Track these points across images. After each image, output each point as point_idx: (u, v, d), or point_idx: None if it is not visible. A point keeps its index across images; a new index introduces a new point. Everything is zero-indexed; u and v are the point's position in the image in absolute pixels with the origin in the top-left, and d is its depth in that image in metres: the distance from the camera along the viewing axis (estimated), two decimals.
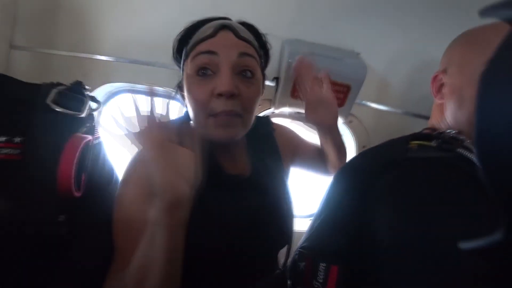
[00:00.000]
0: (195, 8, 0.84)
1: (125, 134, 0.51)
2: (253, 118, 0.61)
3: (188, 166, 0.46)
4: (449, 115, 0.63)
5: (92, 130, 0.60)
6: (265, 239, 0.63)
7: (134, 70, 0.98)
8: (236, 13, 0.89)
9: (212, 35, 0.56)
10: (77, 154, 0.51)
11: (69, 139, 0.52)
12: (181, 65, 0.63)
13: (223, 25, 0.58)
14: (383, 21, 0.95)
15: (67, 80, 0.96)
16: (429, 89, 0.68)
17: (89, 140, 0.56)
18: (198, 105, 0.56)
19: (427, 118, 0.71)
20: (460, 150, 0.51)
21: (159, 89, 0.98)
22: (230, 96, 0.54)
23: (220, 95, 0.54)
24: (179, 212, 0.44)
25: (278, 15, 0.92)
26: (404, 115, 1.07)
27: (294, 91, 0.90)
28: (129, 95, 1.08)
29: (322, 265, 0.53)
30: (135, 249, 0.45)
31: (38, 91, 0.55)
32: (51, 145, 0.50)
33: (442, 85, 0.65)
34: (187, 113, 0.64)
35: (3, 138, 0.47)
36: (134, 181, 0.54)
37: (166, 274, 0.43)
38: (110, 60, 0.97)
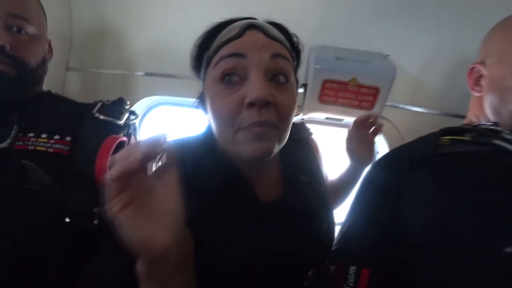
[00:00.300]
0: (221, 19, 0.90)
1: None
2: (289, 130, 0.51)
3: (167, 211, 0.39)
4: (490, 108, 0.59)
5: (129, 137, 0.69)
6: (293, 268, 0.56)
7: (170, 84, 1.06)
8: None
9: (239, 35, 0.48)
10: (111, 149, 0.59)
11: (105, 139, 0.61)
12: (202, 74, 0.55)
13: (251, 24, 0.49)
14: (411, 21, 0.93)
15: (112, 95, 1.07)
16: (467, 88, 0.65)
17: (123, 140, 0.64)
18: (224, 118, 0.47)
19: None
20: (498, 142, 0.48)
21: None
22: (264, 105, 0.45)
23: (251, 104, 0.44)
24: (166, 263, 0.38)
25: (304, 22, 0.94)
26: (441, 116, 1.02)
27: (322, 96, 0.90)
28: (166, 107, 1.16)
29: (352, 269, 0.52)
30: None
31: (88, 106, 0.67)
32: (93, 144, 0.60)
33: (480, 77, 0.62)
34: (209, 128, 0.56)
35: (57, 136, 0.59)
36: None
37: None
38: (149, 76, 1.07)
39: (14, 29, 0.58)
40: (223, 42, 0.48)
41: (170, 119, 1.20)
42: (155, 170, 0.37)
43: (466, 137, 0.53)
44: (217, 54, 0.49)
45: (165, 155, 0.38)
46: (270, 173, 0.58)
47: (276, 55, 0.47)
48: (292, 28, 0.91)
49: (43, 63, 0.65)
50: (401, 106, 1.03)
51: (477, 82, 0.63)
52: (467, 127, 0.57)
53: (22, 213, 0.52)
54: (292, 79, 0.51)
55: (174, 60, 1.03)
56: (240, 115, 0.46)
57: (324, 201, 0.63)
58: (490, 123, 0.55)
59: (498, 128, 0.53)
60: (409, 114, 1.03)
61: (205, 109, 0.55)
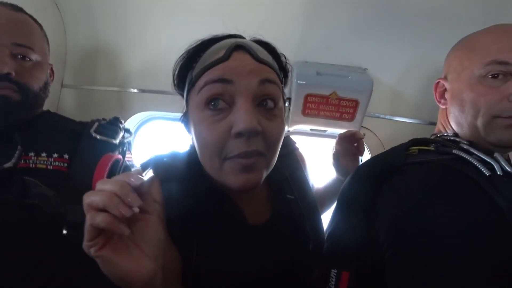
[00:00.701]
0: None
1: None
2: (277, 155, 0.50)
3: (148, 239, 0.40)
4: (452, 119, 0.65)
5: (124, 154, 0.74)
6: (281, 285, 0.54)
7: (161, 100, 1.11)
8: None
9: (225, 58, 0.45)
10: (108, 167, 0.64)
11: (102, 157, 0.66)
12: (185, 94, 0.52)
13: (237, 46, 0.46)
14: (388, 35, 0.98)
15: (106, 111, 1.11)
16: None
17: (118, 158, 0.69)
18: (210, 147, 0.45)
19: None
20: (456, 152, 0.54)
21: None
22: (253, 134, 0.43)
23: (239, 134, 0.42)
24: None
25: (286, 39, 1.00)
26: (419, 124, 1.08)
27: (304, 109, 0.96)
28: (158, 121, 1.21)
29: (333, 271, 0.56)
30: None
31: (85, 125, 0.72)
32: (90, 161, 0.65)
33: (444, 90, 0.68)
34: (194, 148, 0.52)
35: (56, 155, 0.64)
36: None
37: None
38: (141, 92, 1.11)
39: (19, 56, 0.62)
40: (209, 65, 0.46)
41: (161, 132, 1.24)
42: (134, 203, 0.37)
43: (431, 148, 0.59)
44: (202, 77, 0.46)
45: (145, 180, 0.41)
46: (257, 194, 0.57)
47: (264, 81, 0.45)
48: (275, 44, 0.97)
49: (45, 87, 0.69)
50: (381, 116, 1.09)
51: (442, 95, 0.68)
52: (432, 138, 0.62)
53: (24, 226, 0.56)
54: (281, 103, 0.49)
55: (166, 77, 1.08)
56: (227, 144, 0.44)
57: (313, 218, 0.63)
58: (451, 135, 0.60)
59: (458, 139, 0.58)
60: (389, 124, 1.09)
61: (188, 130, 0.53)
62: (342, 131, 1.07)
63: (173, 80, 0.54)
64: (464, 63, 0.62)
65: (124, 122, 0.85)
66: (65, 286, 0.58)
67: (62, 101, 1.15)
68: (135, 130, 1.17)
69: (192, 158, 0.52)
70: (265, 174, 0.48)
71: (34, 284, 0.56)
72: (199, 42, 0.51)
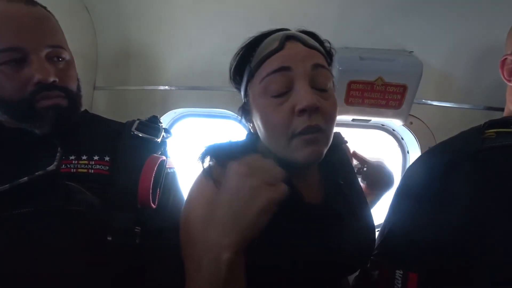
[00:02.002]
0: (238, 34, 0.93)
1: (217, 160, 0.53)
2: (333, 133, 0.55)
3: (266, 209, 0.41)
4: None
5: (165, 154, 0.69)
6: (337, 268, 0.58)
7: (193, 96, 1.08)
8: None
9: (280, 47, 0.51)
10: (154, 170, 0.59)
11: (148, 158, 0.61)
12: (244, 86, 0.57)
13: (289, 36, 0.52)
14: (432, 14, 0.90)
15: (139, 110, 1.10)
16: (499, 77, 0.62)
17: (164, 160, 0.64)
18: (278, 127, 0.51)
19: (501, 109, 0.65)
20: None
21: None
22: (314, 110, 0.49)
23: (303, 111, 0.48)
24: (241, 252, 0.41)
25: (322, 26, 0.93)
26: (472, 109, 0.98)
27: (348, 98, 0.89)
28: (190, 119, 1.18)
29: (399, 273, 0.51)
30: (200, 270, 0.43)
31: (124, 125, 0.68)
32: (133, 163, 0.60)
33: None
34: (251, 137, 0.60)
35: (96, 157, 0.60)
36: (198, 201, 0.54)
37: None
38: (172, 89, 1.09)
39: (55, 59, 0.58)
40: (266, 55, 0.51)
41: (194, 130, 1.22)
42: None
43: None
44: (261, 68, 0.52)
45: None
46: (312, 178, 0.61)
47: (317, 66, 0.51)
48: (317, 33, 0.91)
49: (79, 84, 0.66)
50: (429, 102, 1.00)
51: (510, 73, 0.61)
52: None
53: (67, 234, 0.53)
54: (331, 85, 0.54)
55: (198, 73, 1.06)
56: (292, 123, 0.50)
57: (363, 202, 0.66)
58: None
59: None
60: (438, 110, 1.01)
61: (248, 120, 0.59)
62: (387, 120, 1.01)
63: (230, 75, 0.59)
64: None
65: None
66: None
67: (95, 103, 1.16)
68: (168, 128, 1.15)
69: (250, 145, 0.58)
70: (325, 149, 0.53)
71: None
72: (251, 38, 0.57)
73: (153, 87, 1.10)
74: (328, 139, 0.53)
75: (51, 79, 0.55)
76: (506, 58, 0.62)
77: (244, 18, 0.98)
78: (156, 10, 1.03)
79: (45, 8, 0.61)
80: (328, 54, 0.59)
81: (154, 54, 1.09)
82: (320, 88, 0.51)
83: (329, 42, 0.59)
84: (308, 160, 0.51)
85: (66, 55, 0.60)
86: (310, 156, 0.50)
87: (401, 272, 0.50)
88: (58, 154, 0.57)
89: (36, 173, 0.53)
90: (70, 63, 0.62)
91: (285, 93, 0.50)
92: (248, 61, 0.55)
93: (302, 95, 0.48)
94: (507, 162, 0.46)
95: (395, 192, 0.62)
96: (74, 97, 0.61)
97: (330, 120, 0.52)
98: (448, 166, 0.51)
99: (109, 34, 1.12)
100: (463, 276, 0.44)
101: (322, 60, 0.53)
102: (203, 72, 1.07)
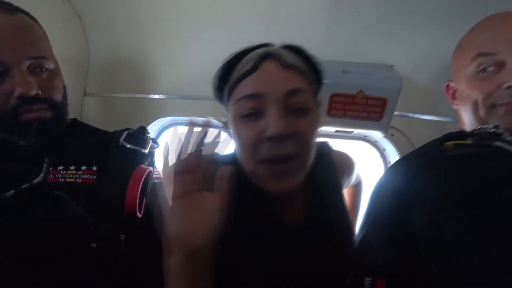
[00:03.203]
0: (228, 45, 0.93)
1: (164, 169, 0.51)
2: (313, 152, 0.52)
3: (210, 214, 0.44)
4: (464, 118, 0.65)
5: (152, 164, 0.71)
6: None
7: (182, 105, 1.10)
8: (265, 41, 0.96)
9: (254, 69, 0.49)
10: (141, 181, 0.60)
11: (135, 169, 0.62)
12: (224, 104, 0.57)
13: (265, 54, 0.50)
14: (415, 30, 0.94)
15: (129, 117, 1.12)
16: None
17: (150, 171, 0.65)
18: (246, 148, 0.50)
19: None
20: (499, 144, 0.49)
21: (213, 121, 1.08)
22: (284, 137, 0.47)
23: (270, 138, 0.47)
24: (198, 262, 0.42)
25: (307, 39, 0.97)
26: (451, 122, 1.02)
27: (330, 109, 0.92)
28: (179, 127, 1.20)
29: (367, 280, 0.52)
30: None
31: (112, 135, 0.69)
32: (121, 174, 0.61)
33: (454, 91, 0.68)
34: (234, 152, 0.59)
35: (84, 167, 0.60)
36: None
37: None
38: (162, 97, 1.11)
39: (37, 70, 0.57)
40: (241, 76, 0.50)
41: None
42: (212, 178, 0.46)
43: (469, 141, 0.55)
44: (235, 90, 0.51)
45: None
46: (296, 198, 0.59)
47: (291, 91, 0.48)
48: (298, 44, 0.93)
49: (65, 91, 0.65)
50: (410, 115, 1.04)
51: (453, 96, 0.68)
52: (469, 132, 0.58)
53: (51, 240, 0.53)
54: (311, 104, 0.51)
55: (187, 82, 1.08)
56: (260, 147, 0.48)
57: (345, 219, 0.64)
58: (491, 127, 0.56)
59: (499, 131, 0.54)
60: (419, 123, 1.04)
61: (231, 136, 0.57)
62: (369, 132, 1.04)
63: (214, 92, 0.59)
64: (459, 62, 0.63)
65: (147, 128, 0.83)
66: None
67: (85, 109, 1.17)
68: (156, 136, 1.17)
69: (237, 159, 0.55)
70: (302, 175, 0.51)
71: None
72: (232, 55, 0.55)
73: (143, 95, 1.12)
74: (303, 164, 0.51)
75: (33, 92, 0.54)
76: (448, 84, 0.69)
77: (234, 30, 1.01)
78: (148, 21, 1.06)
79: (27, 13, 0.59)
80: (314, 70, 0.56)
81: (145, 63, 1.11)
82: (297, 108, 0.49)
83: (315, 58, 0.56)
84: (277, 192, 0.50)
85: (49, 65, 0.59)
86: (276, 189, 0.49)
87: (370, 280, 0.52)
88: (45, 165, 0.58)
89: (23, 186, 0.53)
90: (54, 72, 0.61)
91: (257, 115, 0.49)
92: (226, 80, 0.54)
93: (271, 123, 0.46)
94: (463, 169, 0.50)
95: (368, 202, 0.64)
96: (58, 107, 0.61)
97: (305, 143, 0.49)
98: (413, 175, 0.55)
99: (101, 42, 1.13)
100: (425, 282, 0.46)
101: (299, 83, 0.49)
102: (193, 82, 1.09)
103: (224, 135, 0.56)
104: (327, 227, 0.59)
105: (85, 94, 1.17)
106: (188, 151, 0.48)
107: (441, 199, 0.49)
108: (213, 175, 0.48)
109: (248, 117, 0.49)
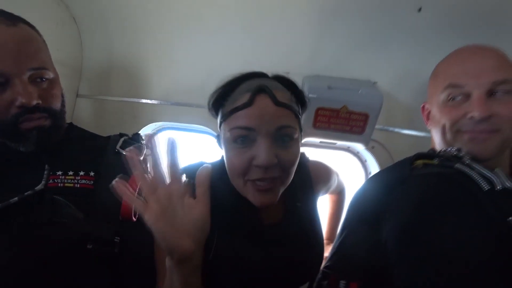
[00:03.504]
0: (220, 56, 0.95)
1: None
2: (292, 175, 0.60)
3: (195, 221, 0.49)
4: (434, 139, 0.71)
5: (146, 171, 0.73)
6: (286, 282, 0.65)
7: (174, 111, 1.14)
8: (259, 56, 1.00)
9: (249, 103, 0.54)
10: (137, 186, 0.63)
11: (131, 175, 0.65)
12: (218, 123, 0.62)
13: (259, 89, 0.55)
14: (397, 49, 1.00)
15: (120, 120, 1.14)
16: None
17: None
18: (236, 171, 0.57)
19: None
20: (459, 166, 0.57)
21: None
22: (270, 166, 0.54)
23: (258, 167, 0.54)
24: (189, 264, 0.48)
25: (298, 55, 1.02)
26: (429, 137, 1.08)
27: (315, 122, 0.97)
28: (169, 132, 1.23)
29: (342, 283, 0.58)
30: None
31: (108, 140, 0.72)
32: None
33: (429, 113, 0.73)
34: (221, 160, 0.65)
35: (82, 172, 0.64)
36: None
37: None
38: (154, 102, 1.14)
39: (38, 80, 0.59)
40: (236, 107, 0.55)
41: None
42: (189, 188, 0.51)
43: (435, 162, 0.62)
44: (231, 118, 0.56)
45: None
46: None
47: (281, 127, 0.55)
48: (288, 60, 0.98)
49: (63, 99, 0.67)
50: (390, 129, 1.10)
51: (428, 117, 0.74)
52: (436, 153, 0.65)
53: (52, 243, 0.56)
54: (296, 135, 0.58)
55: (179, 89, 1.11)
56: (249, 170, 0.56)
57: (316, 222, 0.73)
58: (454, 149, 0.63)
59: (461, 154, 0.60)
60: (398, 137, 1.10)
61: (221, 146, 0.63)
62: (352, 144, 1.10)
63: (209, 110, 0.64)
64: (433, 89, 0.69)
65: (137, 132, 0.86)
66: None
67: (77, 110, 1.18)
68: None
69: (222, 167, 0.63)
70: (281, 191, 0.59)
71: None
72: (227, 81, 0.60)
73: (135, 100, 1.14)
74: (284, 183, 0.59)
75: (34, 102, 0.56)
76: (424, 105, 0.75)
77: (226, 43, 1.04)
78: (142, 28, 1.08)
79: (27, 23, 0.61)
80: (300, 100, 0.62)
81: (138, 68, 1.14)
82: (283, 140, 0.56)
83: (302, 93, 0.62)
84: (261, 205, 0.58)
85: (49, 74, 0.61)
86: (263, 203, 0.57)
87: (344, 282, 0.57)
88: (45, 172, 0.60)
89: (26, 193, 0.55)
90: (53, 81, 0.63)
91: (248, 143, 0.55)
92: (222, 105, 0.60)
93: (261, 154, 0.53)
94: (429, 186, 0.57)
95: (346, 212, 0.70)
96: (57, 115, 0.63)
97: (288, 169, 0.57)
98: (389, 188, 0.61)
99: (95, 45, 1.15)
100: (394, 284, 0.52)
101: (288, 119, 0.56)
102: (185, 89, 1.13)
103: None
104: (299, 226, 0.67)
105: (77, 96, 1.19)
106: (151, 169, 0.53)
107: (410, 210, 0.55)
108: (191, 182, 0.53)
109: (239, 143, 0.56)
